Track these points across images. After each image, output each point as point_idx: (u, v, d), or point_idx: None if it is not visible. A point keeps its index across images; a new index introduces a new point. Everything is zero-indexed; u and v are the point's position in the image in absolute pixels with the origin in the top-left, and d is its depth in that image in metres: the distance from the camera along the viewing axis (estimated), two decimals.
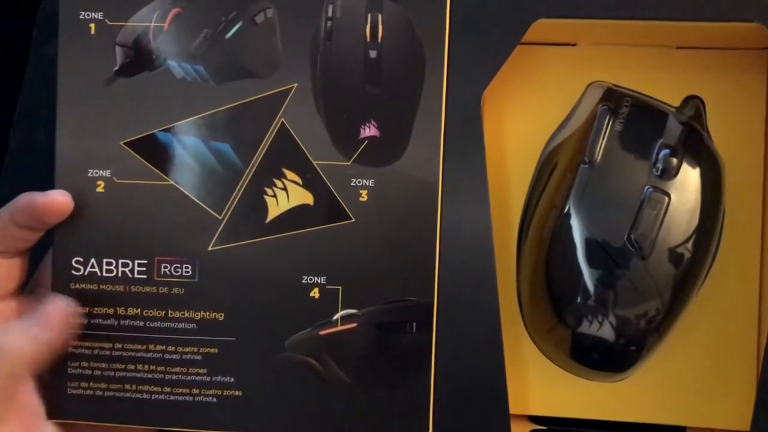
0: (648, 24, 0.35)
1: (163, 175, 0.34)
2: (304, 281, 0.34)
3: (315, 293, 0.34)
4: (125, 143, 0.34)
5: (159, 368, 0.35)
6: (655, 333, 0.35)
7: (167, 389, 0.35)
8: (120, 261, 0.35)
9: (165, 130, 0.34)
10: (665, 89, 0.38)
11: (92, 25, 0.34)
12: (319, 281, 0.34)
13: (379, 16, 0.34)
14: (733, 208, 0.38)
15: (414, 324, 0.34)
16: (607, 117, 0.36)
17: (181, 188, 0.34)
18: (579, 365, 0.36)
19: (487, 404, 0.35)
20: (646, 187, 0.34)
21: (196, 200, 0.34)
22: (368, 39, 0.34)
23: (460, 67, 0.35)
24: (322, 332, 0.34)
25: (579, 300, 0.35)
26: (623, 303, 0.35)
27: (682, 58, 0.38)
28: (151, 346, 0.35)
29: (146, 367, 0.35)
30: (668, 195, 0.34)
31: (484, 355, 0.35)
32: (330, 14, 0.34)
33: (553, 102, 0.39)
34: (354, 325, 0.35)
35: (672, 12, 0.34)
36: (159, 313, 0.35)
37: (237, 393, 0.35)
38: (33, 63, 0.41)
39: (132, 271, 0.35)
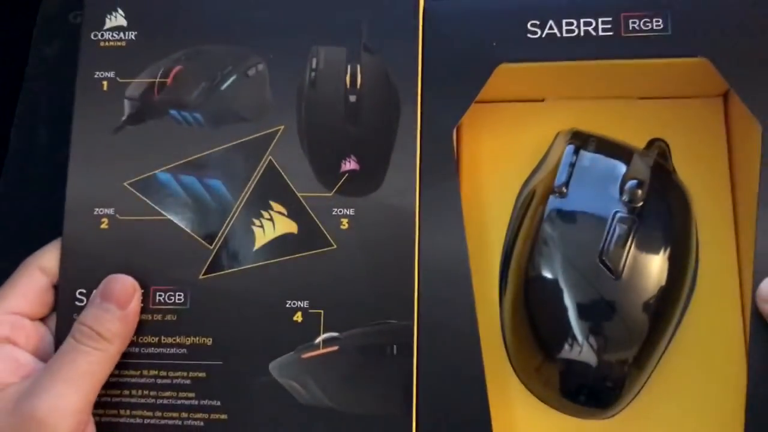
0: (609, 74, 0.39)
1: (161, 211, 0.37)
2: (287, 305, 0.36)
3: (298, 317, 0.36)
4: (128, 184, 0.38)
5: (151, 393, 0.36)
6: (635, 364, 0.36)
7: (158, 414, 0.36)
8: None
9: (164, 171, 0.38)
10: (630, 137, 0.40)
11: (105, 83, 0.39)
12: (302, 305, 0.36)
13: (358, 66, 0.38)
14: (706, 245, 0.39)
15: (395, 347, 0.36)
16: (574, 153, 0.38)
17: (176, 222, 0.37)
18: (566, 400, 0.37)
19: (470, 427, 0.35)
20: (613, 211, 0.36)
21: (189, 232, 0.37)
22: (348, 86, 0.38)
23: (432, 107, 0.38)
24: (305, 355, 0.36)
25: (557, 326, 0.36)
26: (600, 328, 0.35)
27: (644, 108, 0.41)
28: (145, 372, 0.36)
29: (140, 392, 0.36)
30: (636, 218, 0.36)
31: (466, 376, 0.36)
32: (314, 66, 0.38)
33: (525, 151, 0.41)
34: (336, 348, 0.36)
35: (621, 51, 0.37)
36: (153, 340, 0.37)
37: (223, 416, 0.36)
38: (33, 63, 0.42)
39: None
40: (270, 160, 0.38)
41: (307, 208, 0.37)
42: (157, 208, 0.38)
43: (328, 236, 0.37)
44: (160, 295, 0.37)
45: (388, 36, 0.38)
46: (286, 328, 0.36)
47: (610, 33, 0.37)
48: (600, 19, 0.38)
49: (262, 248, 0.37)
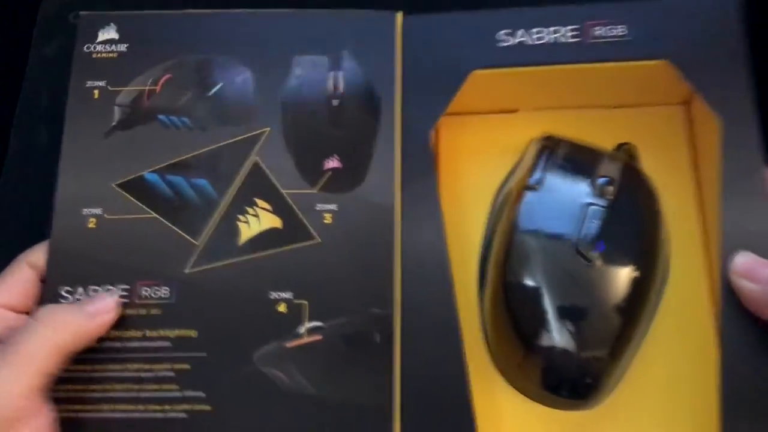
0: (578, 81, 0.41)
1: (148, 210, 0.38)
2: (271, 297, 0.37)
3: (282, 308, 0.37)
4: (117, 185, 0.39)
5: (134, 387, 0.36)
6: (612, 353, 0.36)
7: (141, 407, 0.36)
8: (104, 287, 0.37)
9: (152, 171, 0.39)
10: (601, 144, 0.41)
11: (96, 91, 0.40)
12: (286, 296, 0.37)
13: (340, 73, 0.40)
14: (675, 240, 0.40)
15: (378, 335, 0.36)
16: (547, 154, 0.40)
17: (163, 220, 0.38)
18: (546, 393, 0.37)
19: (452, 415, 0.36)
20: (586, 203, 0.37)
21: (176, 229, 0.38)
22: (331, 91, 0.40)
23: (411, 110, 0.40)
24: (289, 344, 0.36)
25: (535, 318, 0.37)
26: (578, 317, 0.36)
27: (613, 117, 0.43)
28: (128, 366, 0.36)
29: (123, 386, 0.36)
30: (608, 209, 0.37)
31: (448, 366, 0.36)
32: (298, 73, 0.40)
33: (500, 157, 0.43)
34: (319, 337, 0.36)
35: (588, 56, 0.39)
36: (137, 334, 0.37)
37: (207, 407, 0.36)
38: (33, 63, 0.43)
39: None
40: (256, 160, 0.39)
41: (291, 204, 0.38)
42: (144, 206, 0.39)
43: (311, 230, 0.38)
44: (145, 290, 0.37)
45: (369, 46, 0.40)
46: (271, 319, 0.37)
47: (577, 39, 0.40)
48: (567, 27, 0.40)
49: (247, 242, 0.38)
